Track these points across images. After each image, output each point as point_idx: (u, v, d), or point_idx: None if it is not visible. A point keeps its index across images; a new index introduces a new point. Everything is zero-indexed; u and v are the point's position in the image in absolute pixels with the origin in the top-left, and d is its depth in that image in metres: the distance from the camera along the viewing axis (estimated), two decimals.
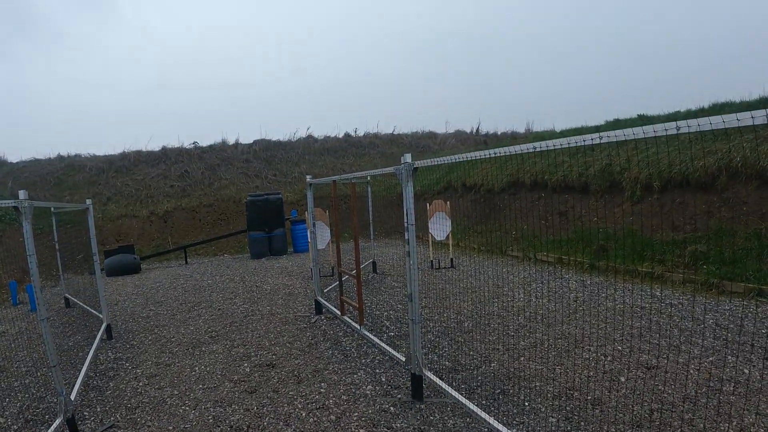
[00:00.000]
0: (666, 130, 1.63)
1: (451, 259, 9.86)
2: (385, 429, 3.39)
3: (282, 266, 11.57)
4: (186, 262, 13.13)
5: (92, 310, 7.32)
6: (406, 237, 3.66)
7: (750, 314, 5.10)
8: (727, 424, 3.02)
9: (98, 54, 45.67)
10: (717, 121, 1.47)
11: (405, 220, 3.64)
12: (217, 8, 58.20)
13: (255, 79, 51.82)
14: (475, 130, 26.40)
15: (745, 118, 1.59)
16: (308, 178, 6.73)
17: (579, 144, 1.98)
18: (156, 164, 18.41)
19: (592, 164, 9.78)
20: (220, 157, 19.41)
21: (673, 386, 3.61)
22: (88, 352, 5.82)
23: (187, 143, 20.42)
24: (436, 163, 3.35)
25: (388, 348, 4.59)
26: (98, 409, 4.09)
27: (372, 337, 4.95)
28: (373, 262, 10.05)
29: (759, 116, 1.54)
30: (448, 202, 10.23)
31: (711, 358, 4.10)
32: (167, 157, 18.84)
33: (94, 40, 49.14)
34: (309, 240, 7.56)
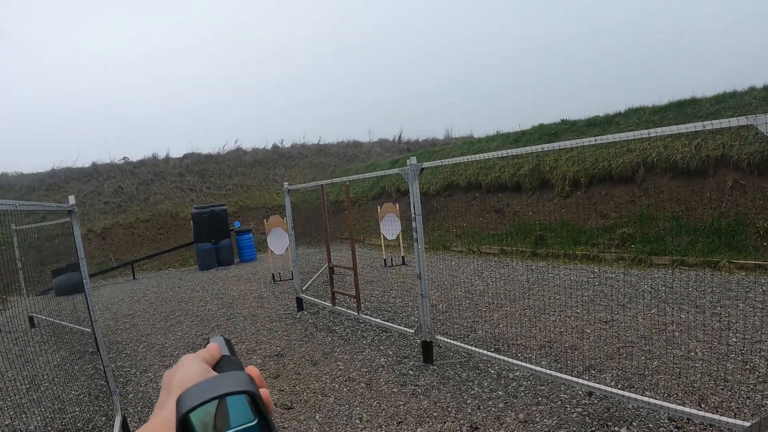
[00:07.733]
0: (653, 132, 2.52)
1: (403, 257, 10.68)
2: (413, 386, 4.08)
3: (235, 275, 11.77)
4: (134, 278, 12.85)
5: (75, 326, 7.21)
6: (414, 225, 4.40)
7: (677, 279, 6.41)
8: (677, 351, 4.09)
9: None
10: (690, 128, 2.38)
11: (413, 211, 4.37)
12: (137, 19, 55.22)
13: (180, 89, 49.94)
14: (397, 138, 27.64)
15: (690, 126, 2.53)
16: (286, 184, 7.25)
17: (576, 146, 2.85)
18: (88, 181, 17.57)
19: (522, 165, 11.10)
20: (153, 171, 18.89)
21: (629, 331, 4.67)
22: (82, 365, 5.94)
23: (117, 158, 19.66)
24: (443, 163, 4.13)
25: (393, 325, 5.27)
26: (138, 408, 4.39)
27: (373, 319, 5.63)
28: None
29: (691, 126, 2.49)
30: (397, 204, 11.07)
31: (653, 311, 5.25)
32: (99, 173, 18.04)
33: None
34: (288, 243, 8.04)
